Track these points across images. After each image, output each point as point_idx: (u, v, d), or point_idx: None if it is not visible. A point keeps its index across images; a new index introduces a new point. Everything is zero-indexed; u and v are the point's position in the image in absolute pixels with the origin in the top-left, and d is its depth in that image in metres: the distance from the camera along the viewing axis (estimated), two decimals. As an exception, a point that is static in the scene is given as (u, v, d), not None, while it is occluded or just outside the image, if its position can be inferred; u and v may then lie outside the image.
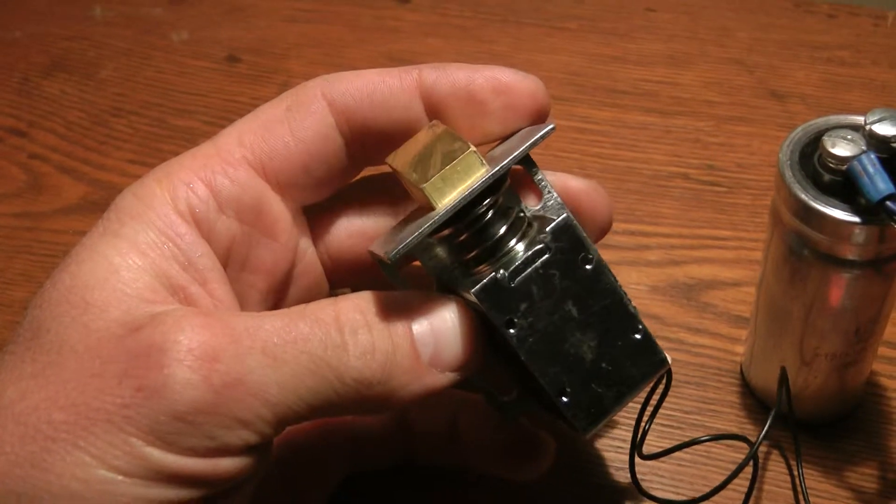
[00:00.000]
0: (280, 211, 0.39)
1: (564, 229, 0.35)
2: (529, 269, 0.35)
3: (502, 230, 0.36)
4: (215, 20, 0.83)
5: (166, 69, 0.79)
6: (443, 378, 0.35)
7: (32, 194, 0.69)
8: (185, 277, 0.35)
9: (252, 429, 0.32)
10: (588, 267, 0.36)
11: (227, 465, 0.32)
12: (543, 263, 0.35)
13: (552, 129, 0.36)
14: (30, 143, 0.73)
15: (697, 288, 0.58)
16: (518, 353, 0.35)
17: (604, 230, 0.41)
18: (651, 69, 0.75)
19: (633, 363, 0.37)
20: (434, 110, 0.38)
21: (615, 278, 0.37)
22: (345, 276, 0.42)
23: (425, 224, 0.34)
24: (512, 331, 0.35)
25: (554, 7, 0.81)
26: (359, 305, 0.34)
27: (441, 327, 0.35)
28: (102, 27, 0.84)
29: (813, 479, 0.49)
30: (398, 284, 0.38)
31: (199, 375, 0.31)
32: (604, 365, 0.36)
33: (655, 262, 0.60)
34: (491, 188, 0.35)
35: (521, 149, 0.35)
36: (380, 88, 0.37)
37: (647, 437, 0.44)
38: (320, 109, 0.38)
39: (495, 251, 0.36)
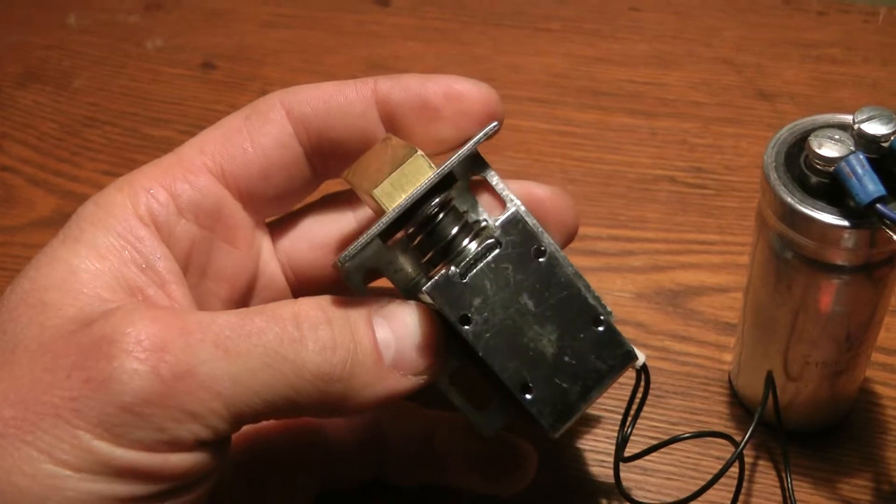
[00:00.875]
0: (241, 218, 0.39)
1: (514, 222, 0.35)
2: (481, 264, 0.35)
3: (455, 230, 0.36)
4: (192, 27, 0.82)
5: (141, 77, 0.77)
6: (405, 382, 0.35)
7: (4, 208, 0.68)
8: (144, 280, 0.35)
9: (203, 422, 0.31)
10: (542, 259, 0.35)
11: (177, 460, 0.31)
12: (495, 258, 0.35)
13: (495, 126, 0.36)
14: (2, 155, 0.72)
15: (683, 294, 0.57)
16: (475, 350, 0.35)
17: (570, 235, 0.41)
18: (636, 70, 0.73)
19: (598, 356, 0.36)
20: (390, 118, 0.38)
21: (575, 269, 0.37)
22: (309, 292, 0.42)
23: (376, 225, 0.34)
24: (467, 327, 0.35)
25: (536, 8, 0.80)
26: (320, 304, 0.34)
27: (402, 331, 0.35)
28: (77, 35, 0.82)
29: (803, 491, 0.47)
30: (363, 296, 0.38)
31: (147, 366, 0.30)
32: (567, 359, 0.36)
33: (640, 268, 0.58)
34: (439, 187, 0.35)
35: (464, 147, 0.35)
36: (336, 98, 0.38)
37: (633, 449, 0.42)
38: (279, 118, 0.38)
39: (449, 251, 0.36)
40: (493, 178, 0.38)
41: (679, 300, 0.56)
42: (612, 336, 0.36)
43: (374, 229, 0.34)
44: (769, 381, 0.46)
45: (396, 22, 0.80)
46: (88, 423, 0.30)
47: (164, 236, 0.36)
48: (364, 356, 0.34)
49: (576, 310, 0.36)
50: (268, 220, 0.41)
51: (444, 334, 0.36)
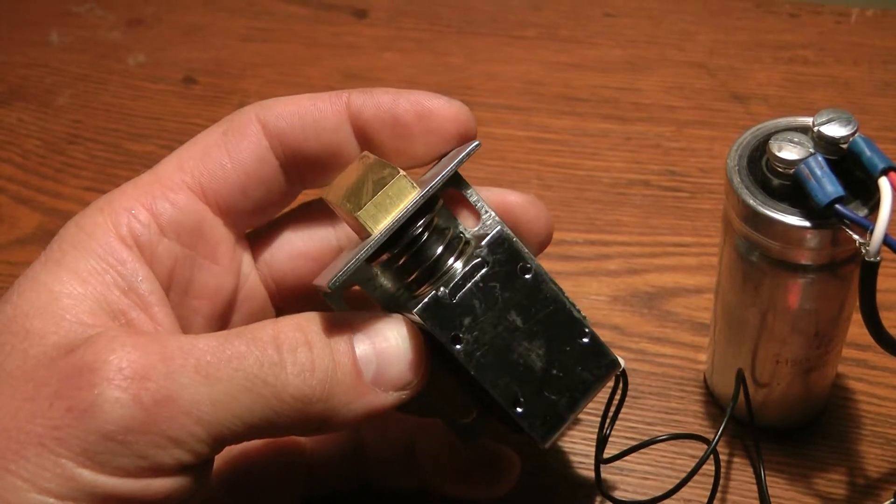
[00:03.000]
0: (221, 234, 0.39)
1: (500, 241, 0.35)
2: (469, 284, 0.35)
3: (439, 250, 0.36)
4: (172, 41, 0.82)
5: (122, 93, 0.78)
6: (386, 398, 0.35)
7: (-12, 226, 0.68)
8: (126, 303, 0.35)
9: (185, 447, 0.32)
10: (528, 276, 0.36)
11: (160, 485, 0.32)
12: (483, 277, 0.35)
13: (476, 145, 0.36)
14: (-14, 173, 0.72)
15: (658, 296, 0.58)
16: (467, 369, 0.35)
17: (544, 243, 0.42)
18: (610, 75, 0.74)
19: (584, 367, 0.37)
20: (362, 133, 0.38)
21: (557, 285, 0.37)
22: (290, 301, 0.43)
23: (362, 250, 0.34)
24: (458, 346, 0.35)
25: (511, 16, 0.81)
26: (300, 324, 0.34)
27: (383, 346, 0.35)
28: (60, 53, 0.83)
29: (778, 487, 0.48)
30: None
31: (129, 394, 0.31)
32: (554, 372, 0.36)
33: (615, 272, 0.59)
34: (423, 209, 0.35)
35: (448, 168, 0.35)
36: (310, 112, 0.38)
37: (611, 450, 0.43)
38: (255, 133, 0.38)
39: (434, 271, 0.36)
40: (473, 196, 0.38)
41: (654, 302, 0.57)
42: (597, 347, 0.37)
43: (362, 254, 0.34)
44: (739, 378, 0.47)
45: (373, 33, 0.80)
46: (71, 452, 0.30)
47: (146, 256, 0.36)
48: (343, 375, 0.34)
49: (562, 324, 0.36)
50: (247, 231, 0.42)
51: (427, 349, 0.36)
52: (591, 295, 0.57)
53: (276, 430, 0.34)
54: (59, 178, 0.71)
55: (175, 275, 0.38)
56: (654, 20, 0.79)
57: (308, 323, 0.35)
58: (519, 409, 0.36)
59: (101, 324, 0.34)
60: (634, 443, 0.45)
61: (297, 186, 0.40)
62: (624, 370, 0.39)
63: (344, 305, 0.38)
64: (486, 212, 0.38)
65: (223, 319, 0.41)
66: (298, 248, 0.41)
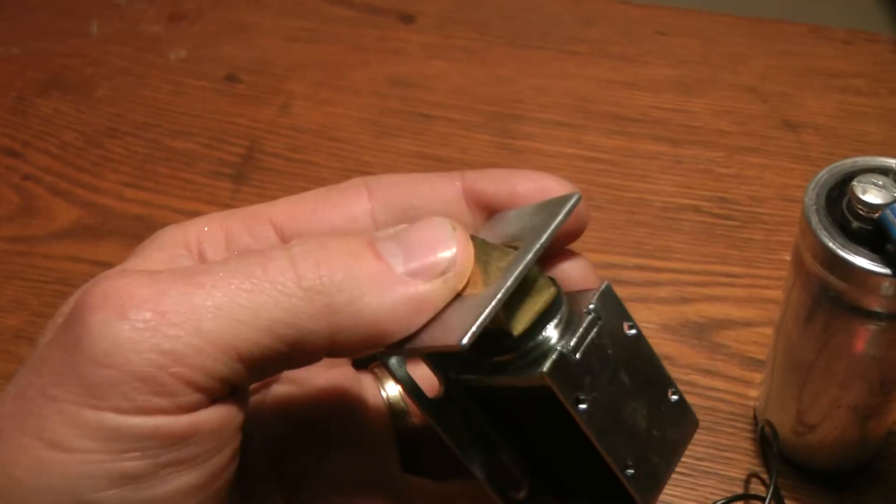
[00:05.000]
0: None
1: (609, 295, 0.33)
2: (587, 341, 0.32)
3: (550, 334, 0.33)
4: (215, 39, 0.81)
5: (163, 88, 0.77)
6: (425, 286, 0.31)
7: (25, 217, 0.67)
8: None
9: (191, 366, 0.29)
10: (633, 332, 0.33)
11: (179, 421, 0.29)
12: (598, 332, 0.32)
13: (579, 198, 0.33)
14: (23, 163, 0.71)
15: (709, 327, 0.56)
16: (588, 432, 0.33)
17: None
18: (661, 96, 0.73)
19: (676, 427, 0.35)
20: (477, 203, 0.36)
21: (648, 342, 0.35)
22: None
23: (489, 303, 0.31)
24: (582, 407, 0.32)
25: (562, 30, 0.79)
26: (314, 237, 0.32)
27: (406, 233, 0.32)
28: (100, 44, 0.82)
29: (831, 534, 0.47)
30: (401, 379, 0.36)
31: (115, 314, 0.28)
32: (655, 433, 0.34)
33: (665, 299, 0.58)
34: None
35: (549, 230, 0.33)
36: (423, 183, 0.36)
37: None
38: (357, 193, 0.36)
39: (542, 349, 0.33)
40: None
41: (705, 333, 0.56)
42: (684, 405, 0.36)
43: (494, 304, 0.30)
44: (772, 434, 0.46)
45: (420, 40, 0.79)
46: (71, 393, 0.28)
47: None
48: (365, 264, 0.31)
49: (658, 382, 0.35)
50: None
51: (462, 229, 0.32)
52: (641, 322, 0.56)
53: (306, 339, 0.30)
54: (96, 171, 0.70)
55: None
56: (706, 40, 0.78)
57: (325, 235, 0.32)
58: (630, 472, 0.34)
59: None
60: (681, 479, 0.44)
61: None
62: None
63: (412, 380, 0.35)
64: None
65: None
66: None
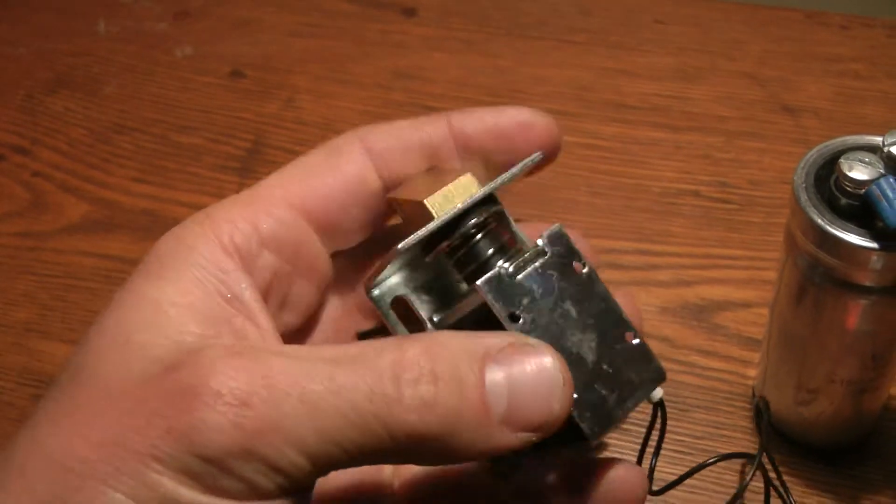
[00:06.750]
0: (318, 251, 0.39)
1: (559, 235, 0.36)
2: (529, 268, 0.36)
3: (491, 250, 0.37)
4: (220, 35, 0.82)
5: (169, 85, 0.78)
6: (515, 438, 0.32)
7: (35, 213, 0.68)
8: (230, 311, 0.35)
9: (287, 474, 0.31)
10: (584, 271, 0.37)
11: None
12: (542, 264, 0.36)
13: (539, 155, 0.38)
14: (33, 160, 0.73)
15: (708, 309, 0.57)
16: None
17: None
18: (660, 83, 0.74)
19: (632, 368, 0.37)
20: (464, 148, 0.39)
21: (606, 287, 0.37)
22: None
23: (427, 226, 0.35)
24: (516, 324, 0.35)
25: (560, 20, 0.80)
26: (428, 349, 0.32)
27: (520, 380, 0.32)
28: (106, 42, 0.83)
29: (828, 508, 0.48)
30: (390, 323, 0.39)
31: (229, 420, 0.30)
32: (605, 367, 0.36)
33: (665, 283, 0.59)
34: (483, 204, 0.36)
35: (511, 170, 0.37)
36: (416, 134, 0.39)
37: (658, 463, 0.43)
38: (359, 152, 0.39)
39: (486, 269, 0.36)
40: (512, 226, 0.40)
41: (704, 315, 0.57)
42: (645, 351, 0.37)
43: (423, 231, 0.35)
44: (764, 407, 0.46)
45: (422, 32, 0.80)
46: (171, 471, 0.30)
47: (246, 267, 0.36)
48: (469, 412, 0.31)
49: (612, 322, 0.37)
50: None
51: (570, 387, 0.34)
52: (642, 305, 0.57)
53: (385, 460, 0.32)
54: (105, 167, 0.71)
55: (272, 288, 0.37)
56: (704, 28, 0.79)
57: (439, 347, 0.32)
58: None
59: (206, 333, 0.33)
60: (680, 457, 0.44)
61: (392, 211, 0.40)
62: (662, 400, 0.38)
63: (392, 316, 0.39)
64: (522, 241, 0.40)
65: (306, 333, 0.41)
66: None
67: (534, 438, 0.33)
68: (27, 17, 0.87)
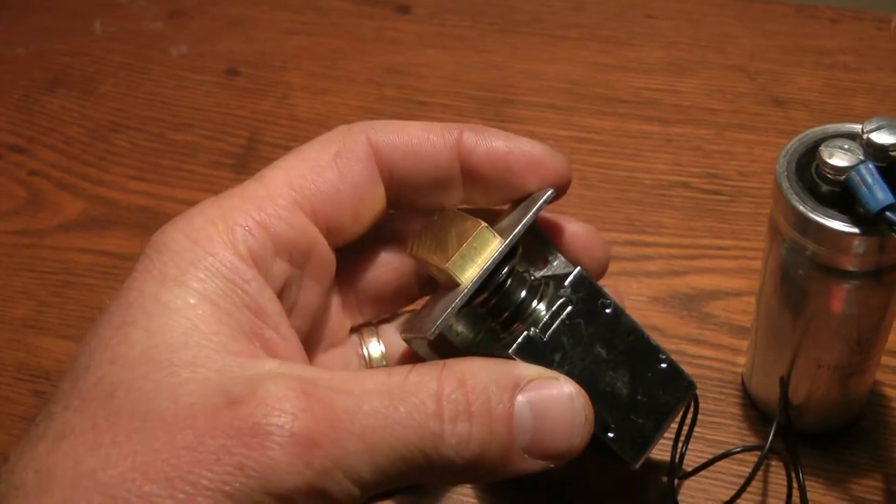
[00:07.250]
0: (327, 255, 0.39)
1: (581, 280, 0.38)
2: (557, 322, 0.37)
3: (523, 293, 0.38)
4: (215, 34, 0.83)
5: (165, 83, 0.79)
6: (534, 465, 0.35)
7: (32, 211, 0.69)
8: (258, 324, 0.35)
9: (339, 502, 0.32)
10: (608, 311, 0.38)
11: None
12: (568, 315, 0.37)
13: (552, 194, 0.39)
14: (30, 159, 0.73)
15: (698, 298, 0.58)
16: None
17: (603, 269, 0.43)
18: (652, 77, 0.74)
19: (665, 390, 0.39)
20: (468, 171, 0.40)
21: (631, 317, 0.39)
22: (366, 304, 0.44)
23: (456, 298, 0.36)
24: None
25: (553, 16, 0.81)
26: (462, 380, 0.34)
27: (545, 413, 0.35)
28: (102, 42, 0.84)
29: (816, 492, 0.48)
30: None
31: (301, 461, 0.31)
32: (639, 397, 0.39)
33: (656, 273, 0.60)
34: (507, 256, 0.37)
35: (527, 217, 0.37)
36: (424, 146, 0.39)
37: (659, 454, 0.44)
38: (368, 157, 0.39)
39: (519, 314, 0.38)
40: (543, 240, 0.41)
41: (694, 304, 0.58)
42: (675, 370, 0.39)
43: (458, 301, 0.36)
44: (784, 386, 0.47)
45: (415, 29, 0.81)
46: None
47: (262, 275, 0.36)
48: (497, 445, 0.34)
49: (642, 352, 0.39)
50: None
51: (591, 424, 0.36)
52: (632, 295, 0.58)
53: (414, 482, 0.34)
54: (101, 165, 0.72)
55: (284, 295, 0.37)
56: (696, 22, 0.79)
57: (471, 379, 0.34)
58: (610, 434, 0.38)
59: (244, 351, 0.33)
60: (670, 444, 0.45)
61: (391, 208, 0.41)
62: (696, 394, 0.41)
63: (434, 354, 0.40)
64: (554, 254, 0.41)
65: (310, 336, 0.41)
66: (382, 262, 0.43)
67: (551, 465, 0.35)
68: (24, 18, 0.88)
